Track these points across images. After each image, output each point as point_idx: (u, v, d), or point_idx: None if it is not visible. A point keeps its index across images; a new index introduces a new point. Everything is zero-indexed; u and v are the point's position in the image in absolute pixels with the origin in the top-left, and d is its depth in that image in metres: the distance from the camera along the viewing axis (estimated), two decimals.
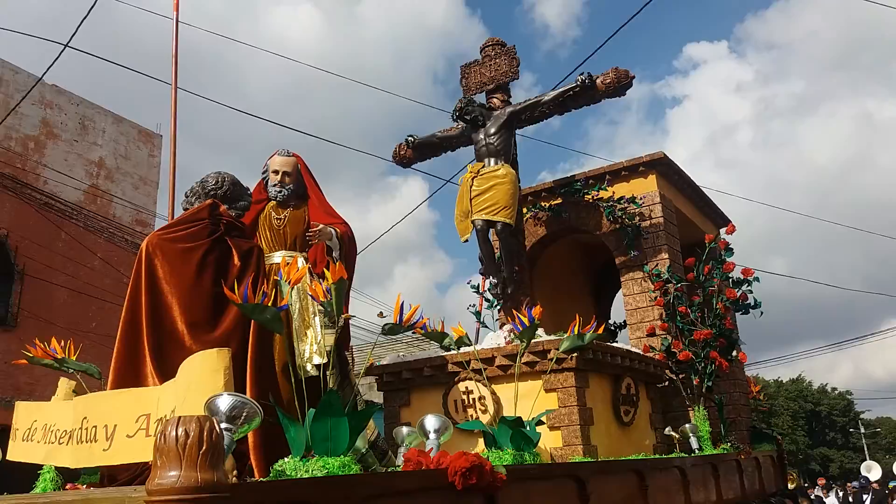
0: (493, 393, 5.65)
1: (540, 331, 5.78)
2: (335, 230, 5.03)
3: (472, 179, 6.71)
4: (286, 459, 2.97)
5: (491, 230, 6.66)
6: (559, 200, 8.35)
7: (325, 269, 5.15)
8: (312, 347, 4.97)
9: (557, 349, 4.52)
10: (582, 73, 6.69)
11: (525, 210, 8.59)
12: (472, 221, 6.62)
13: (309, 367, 4.90)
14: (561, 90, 6.81)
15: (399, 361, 6.19)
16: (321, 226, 4.95)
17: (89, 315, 14.05)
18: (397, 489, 2.76)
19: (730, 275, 7.08)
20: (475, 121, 6.93)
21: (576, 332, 4.32)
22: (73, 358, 4.30)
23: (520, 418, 4.13)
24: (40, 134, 13.82)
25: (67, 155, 14.07)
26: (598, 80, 6.71)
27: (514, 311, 4.33)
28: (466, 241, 6.78)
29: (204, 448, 1.93)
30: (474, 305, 8.36)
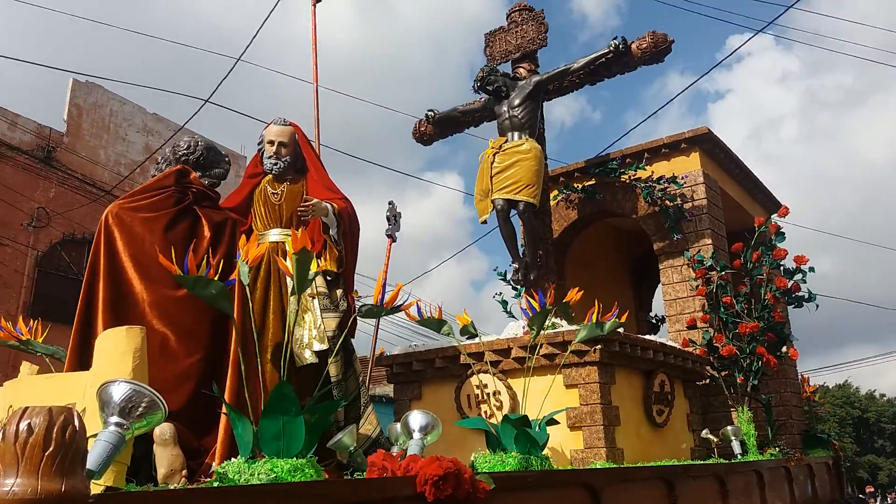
0: (508, 388, 5.13)
1: (562, 321, 5.24)
2: (332, 206, 4.56)
3: (494, 155, 6.17)
4: (233, 460, 2.53)
5: (513, 211, 6.11)
6: (593, 181, 7.73)
7: (322, 249, 4.79)
8: (311, 332, 4.54)
9: (575, 339, 3.96)
10: (615, 38, 6.07)
11: (556, 192, 8.01)
12: (493, 201, 6.09)
13: (307, 353, 4.47)
14: (592, 56, 6.20)
15: (410, 351, 5.72)
16: (315, 200, 4.50)
17: None
18: (353, 500, 2.28)
19: (781, 262, 6.37)
20: (498, 92, 6.37)
21: (594, 321, 3.75)
22: (41, 340, 3.94)
23: (525, 417, 3.60)
24: (144, 157, 14.39)
25: None
26: (634, 46, 6.08)
27: (525, 296, 3.80)
28: (485, 222, 6.24)
29: (51, 449, 1.46)
30: (501, 294, 7.81)
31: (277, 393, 2.49)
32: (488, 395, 5.19)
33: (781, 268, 6.43)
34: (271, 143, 4.84)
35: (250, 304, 4.51)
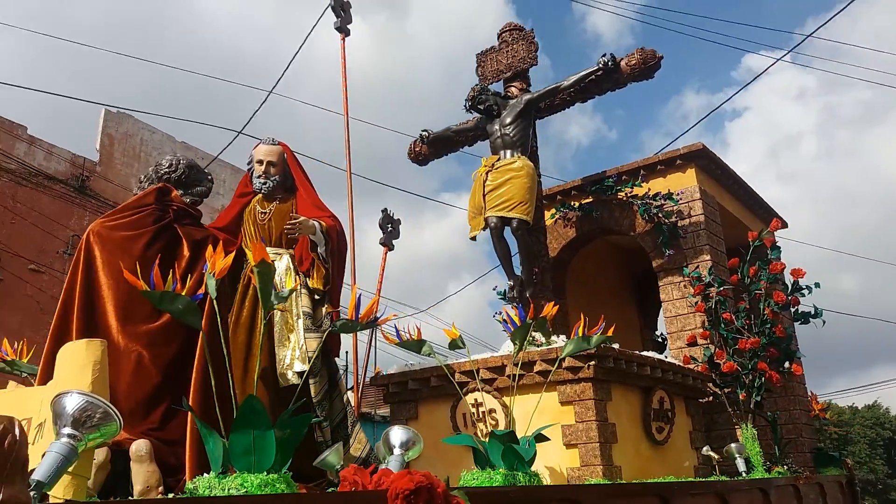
0: (504, 406, 5.05)
1: (561, 337, 5.18)
2: (319, 223, 4.55)
3: (487, 173, 6.16)
4: (204, 476, 2.48)
5: (507, 228, 6.08)
6: (590, 199, 7.70)
7: (310, 268, 4.77)
8: (294, 353, 4.50)
9: (561, 355, 3.89)
10: (604, 55, 6.08)
11: (553, 210, 7.99)
12: (486, 219, 6.06)
13: (290, 374, 4.43)
14: (582, 74, 6.21)
15: (405, 370, 5.65)
16: (302, 217, 4.49)
17: None
18: None
19: (778, 276, 6.28)
20: (489, 110, 6.39)
21: (580, 335, 3.69)
22: (26, 360, 3.92)
23: (512, 433, 3.53)
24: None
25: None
26: (623, 63, 6.09)
27: (505, 311, 3.75)
28: (474, 238, 6.22)
29: None
30: (502, 313, 7.73)
31: (247, 407, 2.44)
32: (484, 413, 5.12)
33: (779, 281, 6.34)
34: (260, 162, 4.85)
35: (232, 323, 4.53)
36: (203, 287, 2.68)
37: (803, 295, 6.37)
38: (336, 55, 6.66)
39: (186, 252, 3.44)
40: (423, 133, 7.16)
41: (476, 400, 5.14)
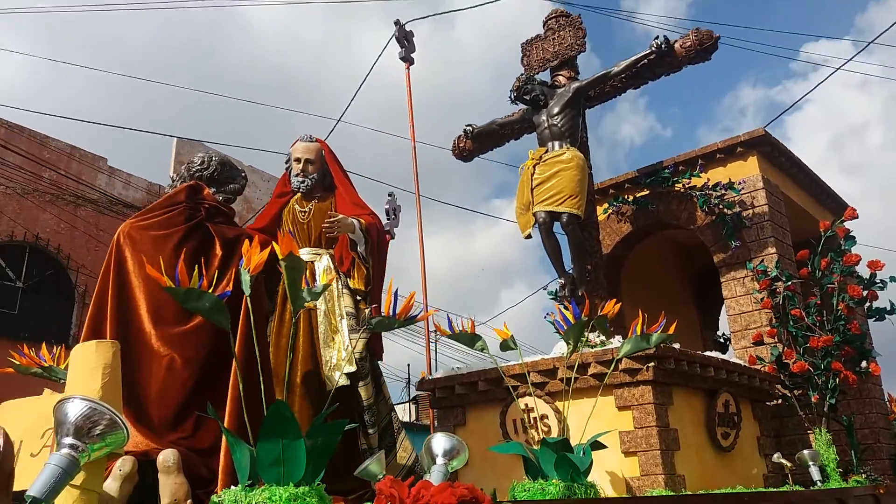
0: (556, 411, 4.78)
1: (616, 337, 4.88)
2: (359, 221, 4.37)
3: (534, 167, 5.89)
4: (231, 489, 2.30)
5: (557, 223, 5.80)
6: (645, 192, 7.34)
7: (350, 267, 4.59)
8: (341, 354, 4.33)
9: (618, 356, 3.59)
10: (657, 37, 5.74)
11: (605, 205, 7.66)
12: (534, 214, 5.79)
13: (337, 375, 4.25)
14: (634, 58, 5.88)
15: (452, 374, 5.43)
16: (341, 215, 4.31)
17: None
18: None
19: (853, 268, 5.82)
20: (536, 101, 6.12)
21: (638, 333, 3.39)
22: (63, 366, 3.83)
23: (566, 440, 3.26)
24: (242, 209, 15.13)
25: None
26: (677, 45, 5.73)
27: (558, 308, 3.48)
28: (529, 236, 5.95)
29: None
30: (554, 312, 7.44)
31: (275, 414, 2.25)
32: (535, 419, 4.85)
33: (854, 275, 5.88)
34: (298, 160, 4.71)
35: (276, 325, 4.38)
36: (230, 284, 2.50)
37: (881, 288, 5.89)
38: (395, 79, 6.56)
39: (219, 251, 3.29)
40: (467, 127, 6.93)
41: (527, 405, 4.88)
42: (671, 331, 3.44)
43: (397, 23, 7.48)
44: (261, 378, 2.61)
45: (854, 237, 5.87)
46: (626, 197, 7.38)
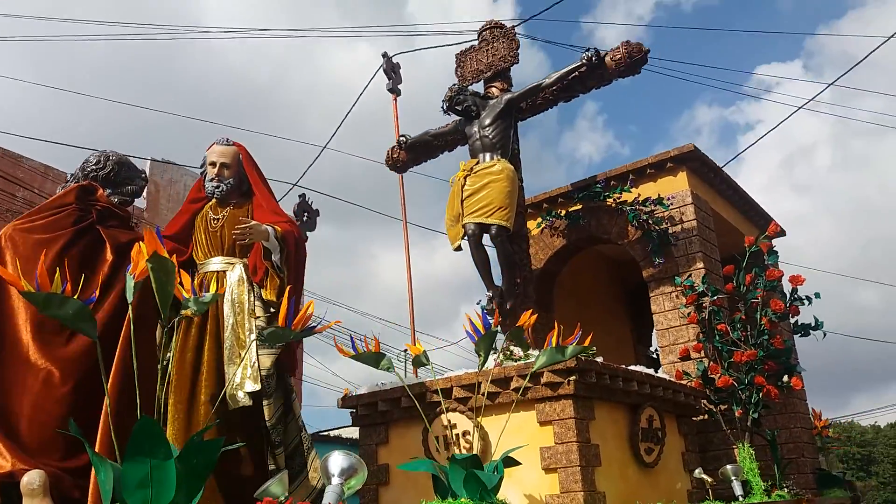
0: (479, 427, 4.65)
1: (536, 350, 4.79)
2: (273, 228, 4.18)
3: (465, 178, 5.81)
4: None
5: (487, 236, 5.72)
6: (579, 206, 7.34)
7: (264, 277, 4.38)
8: (246, 371, 4.11)
9: (533, 368, 3.49)
10: (587, 49, 5.75)
11: (539, 219, 7.63)
12: (464, 226, 5.70)
13: (240, 394, 4.03)
14: (565, 70, 5.87)
15: (375, 391, 5.26)
16: (252, 222, 4.12)
17: None
18: None
19: (776, 283, 5.90)
20: (468, 112, 6.05)
21: (554, 345, 3.30)
22: None
23: (475, 456, 3.14)
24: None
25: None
26: (607, 58, 5.75)
27: (468, 317, 3.37)
28: (459, 249, 5.85)
29: None
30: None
31: (141, 431, 2.06)
32: (457, 435, 4.72)
33: (776, 290, 5.96)
34: (213, 164, 4.50)
35: (181, 338, 4.14)
36: (97, 290, 2.30)
37: (803, 304, 5.99)
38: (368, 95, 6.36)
39: (109, 256, 3.07)
40: (401, 138, 6.82)
41: (449, 421, 4.75)
42: (587, 342, 3.36)
43: (385, 55, 7.36)
44: (137, 394, 2.41)
45: (777, 252, 5.96)
46: (558, 211, 7.36)
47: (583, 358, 4.37)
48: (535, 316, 4.92)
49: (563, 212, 7.35)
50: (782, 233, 9.16)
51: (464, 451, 4.66)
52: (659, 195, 6.69)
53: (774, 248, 5.97)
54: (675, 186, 6.80)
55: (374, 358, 3.38)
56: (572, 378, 4.27)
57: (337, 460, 2.60)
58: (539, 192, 7.66)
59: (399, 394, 4.98)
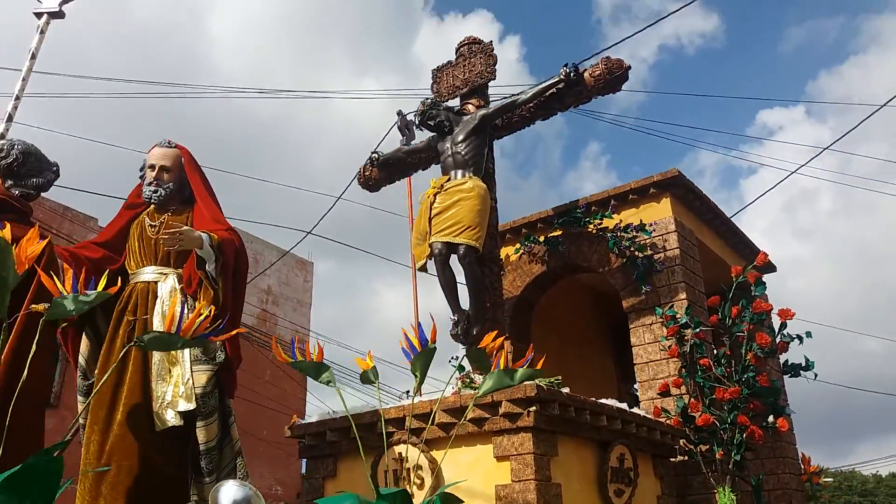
0: (431, 461, 4.26)
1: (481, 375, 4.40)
2: (209, 235, 3.84)
3: (435, 195, 5.49)
4: None
5: (455, 256, 5.38)
6: (559, 232, 7.02)
7: (198, 289, 4.02)
8: (178, 389, 3.73)
9: (478, 393, 3.10)
10: (566, 65, 5.48)
11: (518, 244, 7.30)
12: (430, 244, 5.37)
13: (170, 414, 3.66)
14: (543, 86, 5.60)
15: (323, 419, 4.86)
16: (184, 227, 3.78)
17: (262, 423, 15.50)
18: None
19: (763, 316, 5.54)
20: (441, 127, 5.76)
21: (501, 368, 2.93)
22: None
23: (405, 492, 2.74)
24: None
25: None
26: (586, 74, 5.48)
27: (403, 331, 3.00)
28: (424, 269, 5.51)
29: None
30: (457, 357, 6.97)
31: (28, 467, 1.69)
32: (408, 469, 4.31)
33: (767, 325, 5.59)
34: (152, 167, 4.18)
35: (107, 351, 3.77)
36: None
37: (792, 340, 5.62)
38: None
39: None
40: (374, 155, 6.52)
41: (400, 454, 4.34)
42: (539, 366, 2.98)
43: (399, 113, 7.21)
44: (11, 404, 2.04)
45: (764, 283, 5.61)
46: (537, 237, 7.03)
47: (545, 387, 4.00)
48: (502, 340, 4.55)
49: (542, 237, 7.02)
50: (772, 267, 8.83)
51: (415, 488, 4.26)
52: (641, 221, 6.37)
53: (762, 280, 5.62)
54: (659, 213, 6.49)
55: (314, 368, 2.99)
56: (532, 409, 3.89)
57: (230, 492, 2.22)
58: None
59: (349, 423, 4.59)
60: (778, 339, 5.57)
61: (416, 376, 2.90)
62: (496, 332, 5.18)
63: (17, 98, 3.96)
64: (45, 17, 4.16)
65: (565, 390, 4.25)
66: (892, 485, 39.17)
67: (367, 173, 6.71)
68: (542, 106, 5.71)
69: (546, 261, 7.06)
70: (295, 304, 19.08)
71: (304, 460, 4.97)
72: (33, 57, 4.01)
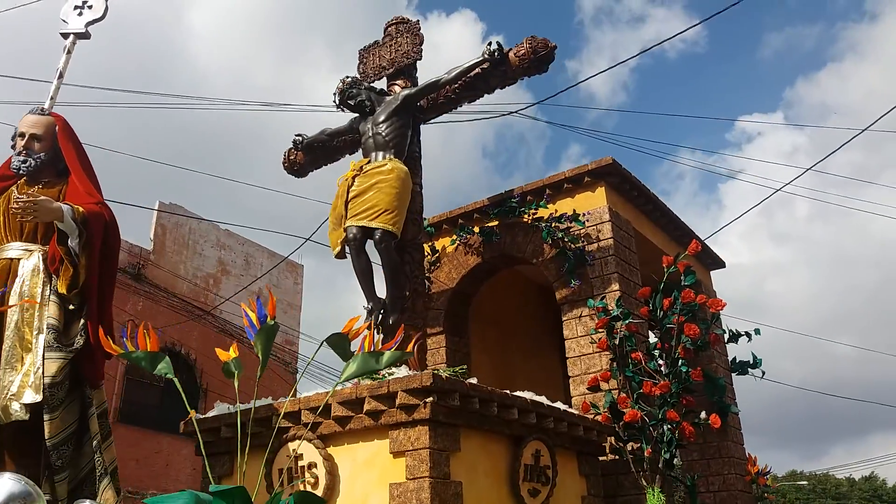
0: (327, 458, 3.94)
1: (401, 367, 4.10)
2: (71, 208, 3.50)
3: (353, 178, 5.19)
4: None
5: (371, 242, 5.07)
6: (495, 223, 6.75)
7: (60, 266, 3.66)
8: (27, 379, 3.38)
9: (341, 378, 2.78)
10: (489, 43, 5.22)
11: (454, 236, 7.02)
12: (345, 229, 5.06)
13: (15, 406, 3.30)
14: (466, 66, 5.32)
15: (219, 414, 4.52)
16: (41, 197, 3.43)
17: None
18: None
19: (695, 307, 5.30)
20: (362, 107, 5.47)
21: (366, 350, 2.63)
22: None
23: (242, 489, 2.42)
24: (217, 271, 16.21)
25: (236, 287, 16.13)
26: (511, 53, 5.22)
27: (243, 306, 2.67)
28: (342, 256, 5.19)
29: None
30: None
31: None
32: (303, 467, 3.99)
33: (694, 314, 5.34)
34: (21, 136, 3.84)
35: None
36: None
37: (723, 332, 5.40)
38: None
39: None
40: (297, 138, 6.20)
41: (294, 451, 4.03)
42: (410, 348, 2.69)
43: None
44: None
45: (694, 272, 5.38)
46: (471, 227, 6.76)
47: (443, 376, 3.70)
48: (419, 334, 4.27)
49: (477, 228, 6.75)
50: (719, 263, 8.65)
51: (308, 487, 3.94)
52: (574, 211, 6.13)
53: (692, 269, 5.39)
54: (593, 203, 6.25)
55: (149, 359, 2.67)
56: (429, 400, 3.59)
57: (5, 486, 1.89)
58: None
59: (245, 418, 4.25)
60: (707, 332, 5.34)
61: (258, 356, 2.59)
62: (415, 323, 4.90)
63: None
64: (71, 37, 4.26)
65: (473, 380, 3.96)
66: (865, 488, 39.49)
67: (291, 157, 6.39)
68: (468, 87, 5.43)
69: (482, 252, 6.78)
70: (285, 306, 18.85)
71: (202, 458, 4.61)
72: (61, 76, 4.11)
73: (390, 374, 3.97)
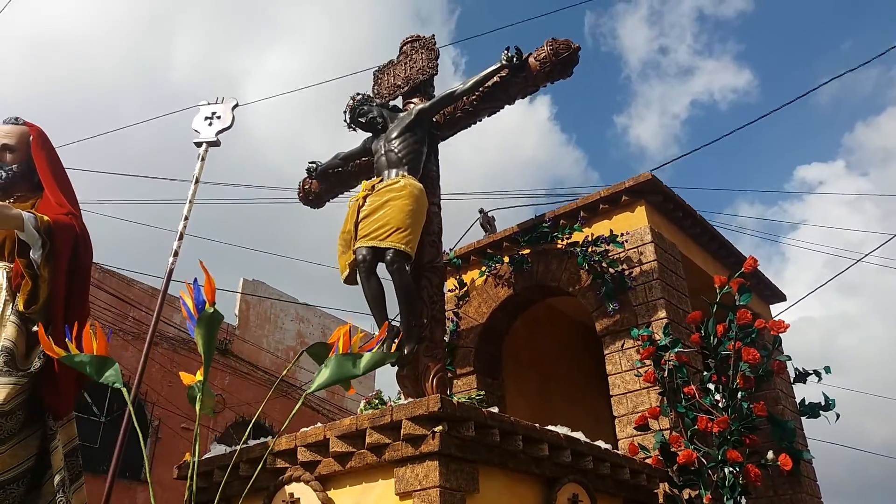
0: (326, 500, 3.40)
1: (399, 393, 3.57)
2: (33, 216, 3.15)
3: (364, 198, 4.78)
4: None
5: (381, 264, 4.62)
6: (526, 251, 6.23)
7: (21, 282, 3.30)
8: None
9: (310, 389, 2.26)
10: (507, 49, 4.83)
11: (483, 267, 6.52)
12: (355, 251, 4.62)
13: None
14: (484, 74, 4.92)
15: (213, 455, 4.04)
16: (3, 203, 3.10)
17: None
18: None
19: (752, 329, 4.64)
20: (374, 125, 5.12)
21: (340, 351, 2.13)
22: None
23: None
24: (296, 343, 16.38)
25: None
26: (531, 58, 4.81)
27: (182, 294, 2.21)
28: (352, 282, 4.73)
29: None
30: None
31: None
32: None
33: (752, 339, 4.67)
34: None
35: None
36: None
37: (787, 358, 4.71)
38: None
39: None
40: (311, 165, 5.87)
41: (291, 495, 3.49)
42: (394, 349, 2.17)
43: (481, 211, 7.02)
44: None
45: (749, 290, 4.73)
46: (500, 256, 6.25)
47: (456, 402, 3.16)
48: (438, 366, 3.77)
49: (507, 258, 6.24)
50: (780, 296, 7.90)
51: None
52: (612, 232, 5.58)
53: (747, 286, 4.75)
54: (633, 223, 5.69)
55: (95, 364, 2.23)
56: (438, 429, 3.04)
57: None
58: None
59: (238, 459, 3.76)
60: (772, 360, 4.66)
61: (202, 354, 2.11)
62: (434, 353, 4.36)
63: (186, 218, 4.35)
64: (204, 146, 4.63)
65: (494, 409, 3.39)
66: None
67: (306, 186, 6.05)
68: (486, 98, 5.03)
69: (513, 283, 6.25)
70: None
71: None
72: (197, 181, 4.49)
73: (396, 402, 3.45)
